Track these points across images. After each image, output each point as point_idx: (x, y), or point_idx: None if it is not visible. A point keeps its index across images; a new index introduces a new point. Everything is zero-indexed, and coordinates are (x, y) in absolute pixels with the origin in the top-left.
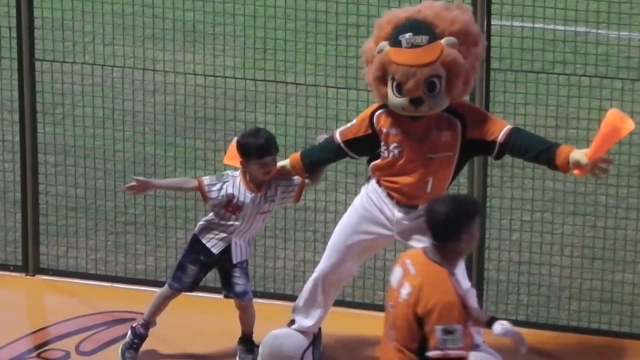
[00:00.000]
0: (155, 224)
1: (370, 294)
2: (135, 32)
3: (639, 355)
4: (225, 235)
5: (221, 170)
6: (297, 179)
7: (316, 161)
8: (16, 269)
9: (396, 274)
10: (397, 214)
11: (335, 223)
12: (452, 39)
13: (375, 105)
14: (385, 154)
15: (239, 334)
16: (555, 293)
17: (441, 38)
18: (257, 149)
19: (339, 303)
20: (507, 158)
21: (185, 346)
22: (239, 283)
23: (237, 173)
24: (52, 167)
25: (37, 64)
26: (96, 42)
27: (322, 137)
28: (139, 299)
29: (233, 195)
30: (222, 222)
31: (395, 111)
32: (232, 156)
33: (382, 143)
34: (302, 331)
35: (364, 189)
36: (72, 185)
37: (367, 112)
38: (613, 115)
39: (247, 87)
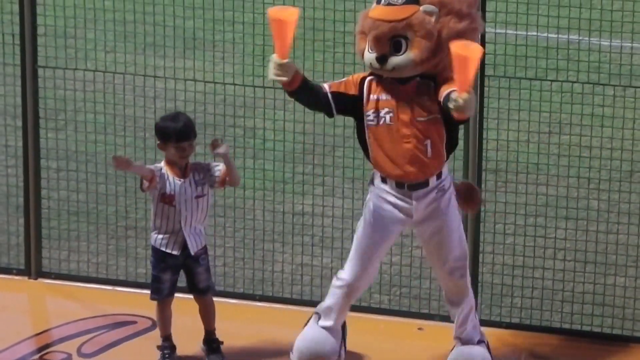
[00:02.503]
0: None
1: (367, 297)
2: (136, 39)
3: (630, 357)
4: (176, 234)
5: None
6: (220, 165)
7: (311, 87)
8: (19, 272)
9: None
10: (414, 201)
11: (333, 227)
12: (431, 7)
13: (363, 73)
14: (375, 121)
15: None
16: (549, 296)
17: (423, 4)
18: (175, 133)
19: None
20: (501, 164)
21: (185, 346)
22: (201, 280)
23: (162, 164)
24: (55, 172)
25: (40, 71)
26: (98, 50)
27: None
28: (139, 302)
29: (163, 187)
30: (166, 222)
31: (369, 69)
32: None
33: (372, 110)
34: (329, 329)
35: (371, 191)
36: (74, 190)
37: (357, 76)
38: (456, 47)
39: (246, 94)
